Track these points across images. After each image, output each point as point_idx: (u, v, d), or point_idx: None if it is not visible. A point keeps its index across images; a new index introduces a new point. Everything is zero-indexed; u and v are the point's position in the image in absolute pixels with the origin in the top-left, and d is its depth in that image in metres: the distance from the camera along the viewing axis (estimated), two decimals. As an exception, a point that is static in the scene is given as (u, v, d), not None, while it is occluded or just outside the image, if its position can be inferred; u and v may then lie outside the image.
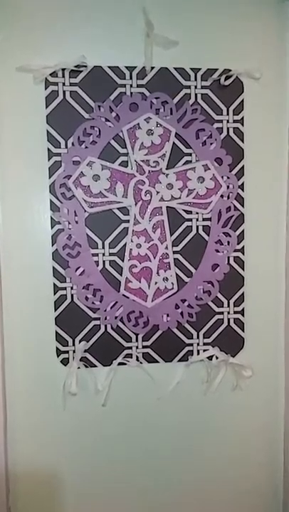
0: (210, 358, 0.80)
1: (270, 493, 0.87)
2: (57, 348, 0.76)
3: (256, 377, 0.81)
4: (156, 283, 0.77)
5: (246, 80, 0.77)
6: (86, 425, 0.79)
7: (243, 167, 0.78)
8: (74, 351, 0.76)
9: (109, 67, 0.73)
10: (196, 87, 0.75)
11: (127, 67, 0.73)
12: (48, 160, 0.72)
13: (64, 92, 0.72)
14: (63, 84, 0.72)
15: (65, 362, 0.76)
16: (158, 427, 0.81)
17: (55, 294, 0.74)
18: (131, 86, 0.74)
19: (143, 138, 0.74)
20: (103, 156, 0.73)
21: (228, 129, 0.77)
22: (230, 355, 0.80)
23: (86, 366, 0.76)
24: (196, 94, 0.76)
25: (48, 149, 0.72)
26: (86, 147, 0.72)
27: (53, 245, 0.74)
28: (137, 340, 0.78)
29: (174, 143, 0.75)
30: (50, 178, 0.72)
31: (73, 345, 0.76)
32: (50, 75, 0.71)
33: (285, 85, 0.78)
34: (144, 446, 0.81)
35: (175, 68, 0.75)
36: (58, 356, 0.76)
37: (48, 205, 0.73)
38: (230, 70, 0.75)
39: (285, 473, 0.85)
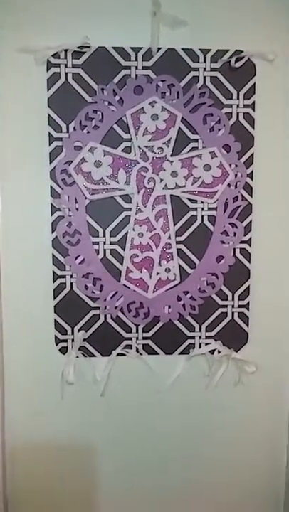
0: (212, 352, 0.79)
1: (272, 487, 0.86)
2: (56, 337, 0.76)
3: (259, 372, 0.80)
4: (158, 273, 0.76)
5: (259, 62, 0.74)
6: (84, 415, 0.79)
7: (252, 155, 0.76)
8: (73, 340, 0.76)
9: (113, 48, 0.71)
10: (204, 69, 0.73)
11: (132, 48, 0.72)
12: (49, 145, 0.72)
13: (66, 74, 0.71)
14: (66, 65, 0.71)
15: (63, 351, 0.77)
16: (156, 419, 0.81)
17: (54, 281, 0.75)
18: (136, 68, 0.72)
19: (147, 123, 0.72)
20: (106, 142, 0.72)
21: (237, 114, 0.75)
22: (233, 350, 0.79)
23: (85, 356, 0.77)
24: (204, 77, 0.73)
25: (49, 134, 0.72)
26: (88, 132, 0.72)
27: (52, 232, 0.74)
28: (137, 331, 0.78)
29: (179, 128, 0.74)
30: (50, 163, 0.72)
31: (72, 334, 0.76)
32: (53, 56, 0.70)
33: (300, 68, 0.75)
34: (141, 438, 0.82)
35: (183, 49, 0.73)
36: (56, 345, 0.76)
37: (49, 192, 0.73)
38: (241, 51, 0.73)
39: (288, 468, 0.85)
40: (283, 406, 0.84)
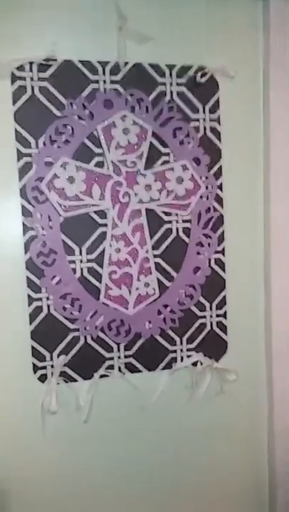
0: (194, 364, 0.80)
1: (255, 492, 0.88)
2: (34, 364, 0.72)
3: (239, 380, 0.82)
4: (137, 289, 0.76)
5: (221, 79, 0.78)
6: (67, 444, 0.76)
7: (220, 167, 0.79)
8: (52, 366, 0.73)
9: (80, 61, 0.71)
10: (171, 84, 0.75)
11: (99, 62, 0.72)
12: (18, 161, 0.69)
13: (32, 87, 0.69)
14: (31, 79, 0.69)
15: (42, 378, 0.73)
16: (143, 438, 0.80)
17: (29, 305, 0.71)
18: (104, 82, 0.72)
19: (119, 137, 0.73)
20: (77, 157, 0.71)
21: (204, 127, 0.78)
22: (214, 360, 0.81)
23: (66, 381, 0.74)
24: (171, 92, 0.76)
25: (18, 149, 0.69)
26: (59, 147, 0.70)
27: (26, 253, 0.70)
28: (118, 350, 0.76)
29: (151, 142, 0.75)
30: (20, 180, 0.69)
31: (51, 359, 0.73)
32: (17, 68, 0.68)
33: (258, 84, 0.80)
34: (129, 461, 0.80)
35: (149, 64, 0.74)
36: (34, 373, 0.72)
37: (20, 210, 0.70)
38: (204, 68, 0.76)
39: (269, 473, 0.88)
40: (262, 409, 0.87)
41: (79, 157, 0.71)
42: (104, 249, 0.74)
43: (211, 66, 0.76)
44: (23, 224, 0.70)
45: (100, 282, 0.74)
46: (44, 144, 0.69)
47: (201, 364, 0.80)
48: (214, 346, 0.81)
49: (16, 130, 0.68)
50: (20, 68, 0.68)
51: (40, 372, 0.73)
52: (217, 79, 0.77)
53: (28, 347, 0.72)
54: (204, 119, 0.77)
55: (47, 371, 0.73)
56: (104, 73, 0.72)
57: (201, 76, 0.76)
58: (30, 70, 0.68)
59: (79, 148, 0.71)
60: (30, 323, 0.71)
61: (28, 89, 0.68)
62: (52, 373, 0.73)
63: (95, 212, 0.73)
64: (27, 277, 0.71)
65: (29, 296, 0.71)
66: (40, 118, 0.69)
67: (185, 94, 0.76)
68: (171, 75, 0.75)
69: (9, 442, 0.73)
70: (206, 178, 0.78)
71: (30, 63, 0.68)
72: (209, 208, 0.79)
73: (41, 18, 0.69)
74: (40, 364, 0.72)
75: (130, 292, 0.76)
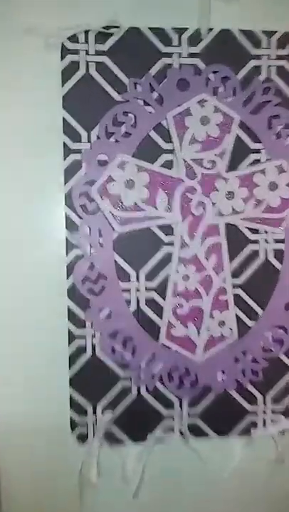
0: (282, 432, 0.61)
1: None
2: (71, 419, 0.58)
3: None
4: (208, 329, 0.60)
5: None
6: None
7: None
8: (95, 423, 0.58)
9: (150, 29, 0.56)
10: (269, 57, 0.58)
11: (174, 30, 0.56)
12: (64, 159, 0.56)
13: (87, 63, 0.55)
14: (86, 52, 0.55)
15: (82, 438, 0.58)
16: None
17: (70, 344, 0.57)
18: (180, 55, 0.57)
19: (195, 128, 0.57)
20: (140, 154, 0.56)
21: (312, 116, 0.59)
22: (308, 428, 0.61)
23: (111, 443, 0.59)
24: (269, 68, 0.58)
25: (65, 144, 0.55)
26: (116, 141, 0.56)
27: (68, 277, 0.57)
28: (181, 407, 0.60)
29: (237, 135, 0.58)
30: (66, 184, 0.56)
31: (94, 414, 0.58)
32: (69, 39, 0.54)
33: None
34: None
35: (241, 31, 0.57)
36: (72, 430, 0.58)
37: (64, 222, 0.56)
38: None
39: None
40: None
41: (142, 155, 0.57)
42: (168, 276, 0.58)
43: None
44: (67, 240, 0.56)
45: (161, 318, 0.59)
46: (98, 137, 0.56)
47: (291, 433, 0.61)
48: (309, 410, 0.62)
49: (63, 119, 0.55)
50: (73, 39, 0.54)
51: (79, 430, 0.58)
52: None
53: (66, 397, 0.58)
54: (312, 105, 0.59)
55: (88, 429, 0.58)
56: (180, 44, 0.56)
57: (312, 46, 0.57)
58: (86, 41, 0.55)
59: (142, 143, 0.57)
60: (70, 367, 0.57)
61: (81, 65, 0.55)
62: (94, 432, 0.58)
63: (158, 226, 0.58)
64: (68, 308, 0.57)
65: (70, 332, 0.57)
66: (94, 103, 0.56)
67: (287, 70, 0.58)
68: (270, 44, 0.58)
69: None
70: (310, 184, 0.59)
71: (86, 32, 0.54)
72: (312, 225, 0.60)
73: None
74: (79, 420, 0.58)
75: (199, 332, 0.60)
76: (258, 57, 0.58)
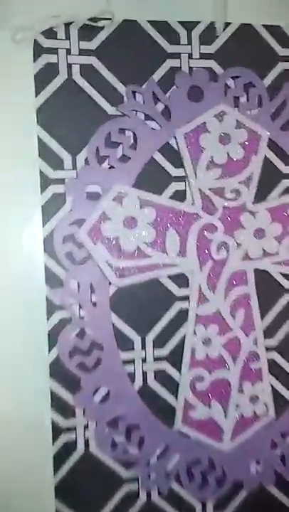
0: None
1: None
2: None
3: None
4: (237, 406, 0.47)
5: None
6: None
7: None
8: None
9: (151, 22, 0.44)
10: None
11: (182, 24, 0.45)
12: (42, 192, 0.42)
13: (69, 65, 0.43)
14: (68, 51, 0.43)
15: None
16: None
17: (55, 441, 0.43)
18: (190, 56, 0.45)
19: (213, 149, 0.46)
20: (142, 184, 0.44)
21: None
22: None
23: None
24: None
25: (41, 172, 0.42)
26: (111, 167, 0.44)
27: (50, 350, 0.42)
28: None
29: (265, 156, 0.48)
30: (44, 225, 0.42)
31: (91, 532, 0.43)
32: (44, 34, 0.42)
33: None
34: None
35: (264, 26, 0.47)
36: None
37: (42, 276, 0.42)
38: None
39: None
40: None
41: (145, 184, 0.45)
42: (183, 340, 0.46)
43: None
44: (47, 300, 0.42)
45: (176, 397, 0.46)
46: (87, 161, 0.43)
47: None
48: None
49: (39, 139, 0.42)
50: (50, 34, 0.42)
51: None
52: None
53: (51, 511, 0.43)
54: None
55: None
56: (190, 42, 0.45)
57: None
58: (67, 37, 0.42)
59: (145, 170, 0.44)
60: (55, 473, 0.43)
61: (61, 69, 0.42)
62: None
63: (169, 277, 0.45)
64: (51, 391, 0.42)
65: (54, 424, 0.43)
66: (80, 118, 0.43)
67: None
68: (301, 43, 0.47)
69: None
70: None
71: (67, 25, 0.42)
72: None
73: None
74: None
75: (226, 413, 0.47)
76: (287, 58, 0.47)
